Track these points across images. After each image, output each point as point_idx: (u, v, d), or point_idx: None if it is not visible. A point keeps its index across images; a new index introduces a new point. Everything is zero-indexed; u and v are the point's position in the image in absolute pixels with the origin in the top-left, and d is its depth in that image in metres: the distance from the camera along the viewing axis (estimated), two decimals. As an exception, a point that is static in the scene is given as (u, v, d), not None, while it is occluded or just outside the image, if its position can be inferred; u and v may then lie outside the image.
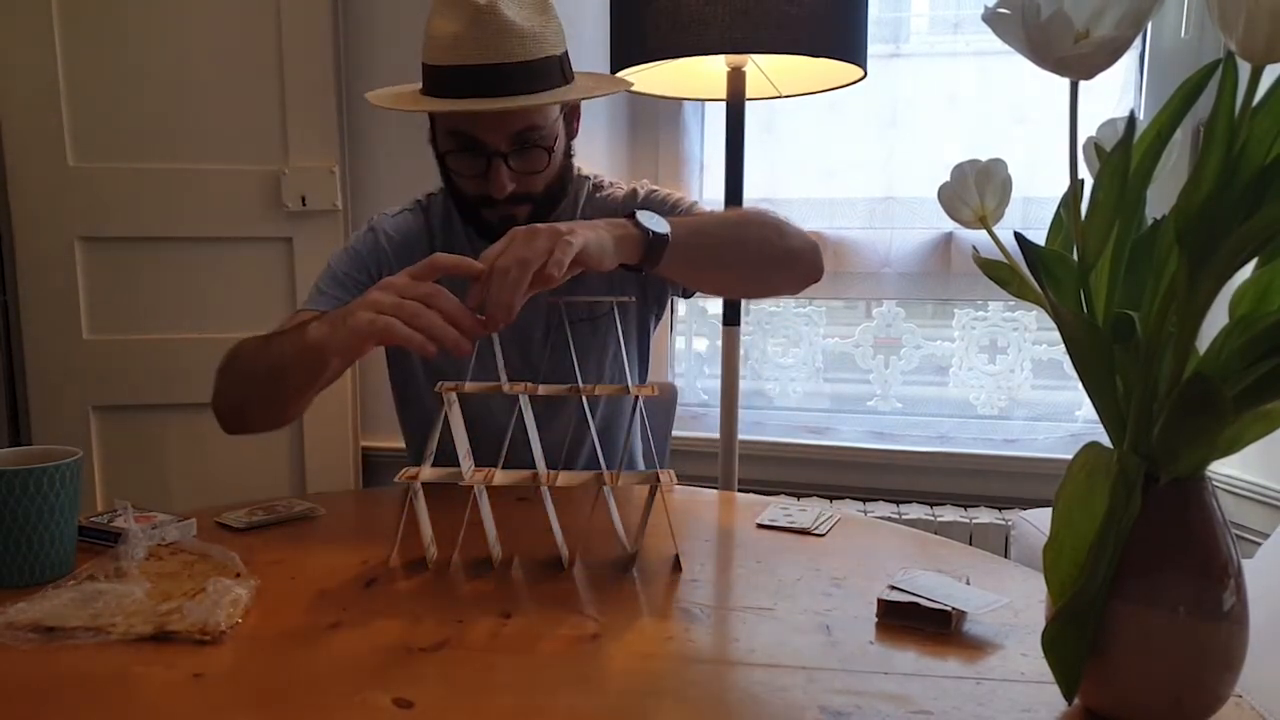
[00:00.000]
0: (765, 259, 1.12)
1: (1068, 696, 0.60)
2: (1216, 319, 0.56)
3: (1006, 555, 1.74)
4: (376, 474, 2.08)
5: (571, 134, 1.22)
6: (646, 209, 1.03)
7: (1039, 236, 0.61)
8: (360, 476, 2.05)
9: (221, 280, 1.94)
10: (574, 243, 0.88)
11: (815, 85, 1.59)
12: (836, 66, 1.46)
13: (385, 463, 2.07)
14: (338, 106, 1.91)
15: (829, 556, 0.92)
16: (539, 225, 0.90)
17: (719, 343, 1.66)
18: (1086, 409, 1.99)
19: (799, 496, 1.99)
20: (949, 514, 1.90)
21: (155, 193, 1.90)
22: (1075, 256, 0.60)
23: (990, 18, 0.54)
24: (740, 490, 1.61)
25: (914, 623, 0.75)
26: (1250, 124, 0.51)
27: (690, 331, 2.20)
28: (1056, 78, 0.55)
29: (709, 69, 1.58)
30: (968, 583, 0.81)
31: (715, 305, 2.08)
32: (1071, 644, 0.58)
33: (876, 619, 0.76)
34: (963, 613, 0.74)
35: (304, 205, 1.91)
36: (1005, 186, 0.66)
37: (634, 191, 1.27)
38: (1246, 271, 0.56)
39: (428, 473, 0.87)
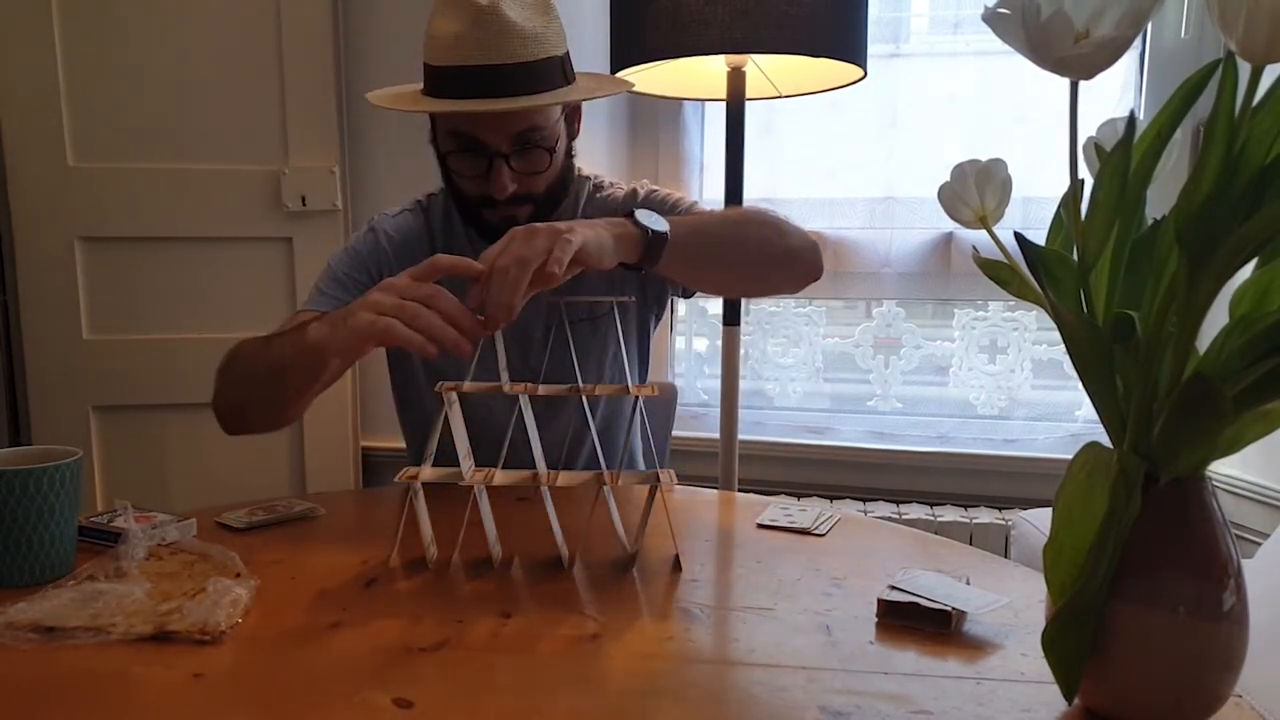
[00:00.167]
0: (765, 258, 1.12)
1: (1068, 696, 0.60)
2: (1216, 319, 0.56)
3: (1006, 555, 1.74)
4: (376, 474, 2.08)
5: (573, 134, 1.22)
6: (646, 208, 1.03)
7: (1039, 236, 0.61)
8: (360, 476, 2.05)
9: (221, 280, 1.94)
10: (573, 241, 0.88)
11: (815, 85, 1.59)
12: (836, 66, 1.46)
13: (385, 463, 2.07)
14: (338, 106, 1.91)
15: (829, 556, 0.92)
16: (537, 225, 0.90)
17: (719, 343, 1.66)
18: (1086, 409, 1.99)
19: (799, 496, 1.99)
20: (949, 514, 1.90)
21: (155, 193, 1.90)
22: (1075, 256, 0.60)
23: (990, 18, 0.54)
24: (740, 490, 1.61)
25: (914, 623, 0.75)
26: (1250, 124, 0.51)
27: (690, 331, 2.20)
28: (1056, 78, 0.55)
29: (709, 69, 1.58)
30: (968, 583, 0.81)
31: (715, 305, 2.08)
32: (1071, 644, 0.58)
33: (876, 619, 0.76)
34: (963, 613, 0.74)
35: (304, 205, 1.91)
36: (1005, 186, 0.66)
37: (634, 191, 1.27)
38: (1246, 271, 0.56)
39: (428, 473, 0.87)
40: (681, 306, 2.17)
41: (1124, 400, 0.60)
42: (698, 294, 1.36)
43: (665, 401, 1.58)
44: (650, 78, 1.58)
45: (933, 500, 1.99)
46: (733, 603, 0.80)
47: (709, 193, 2.08)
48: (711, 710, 0.62)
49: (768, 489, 1.98)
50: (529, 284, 0.86)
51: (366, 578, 0.85)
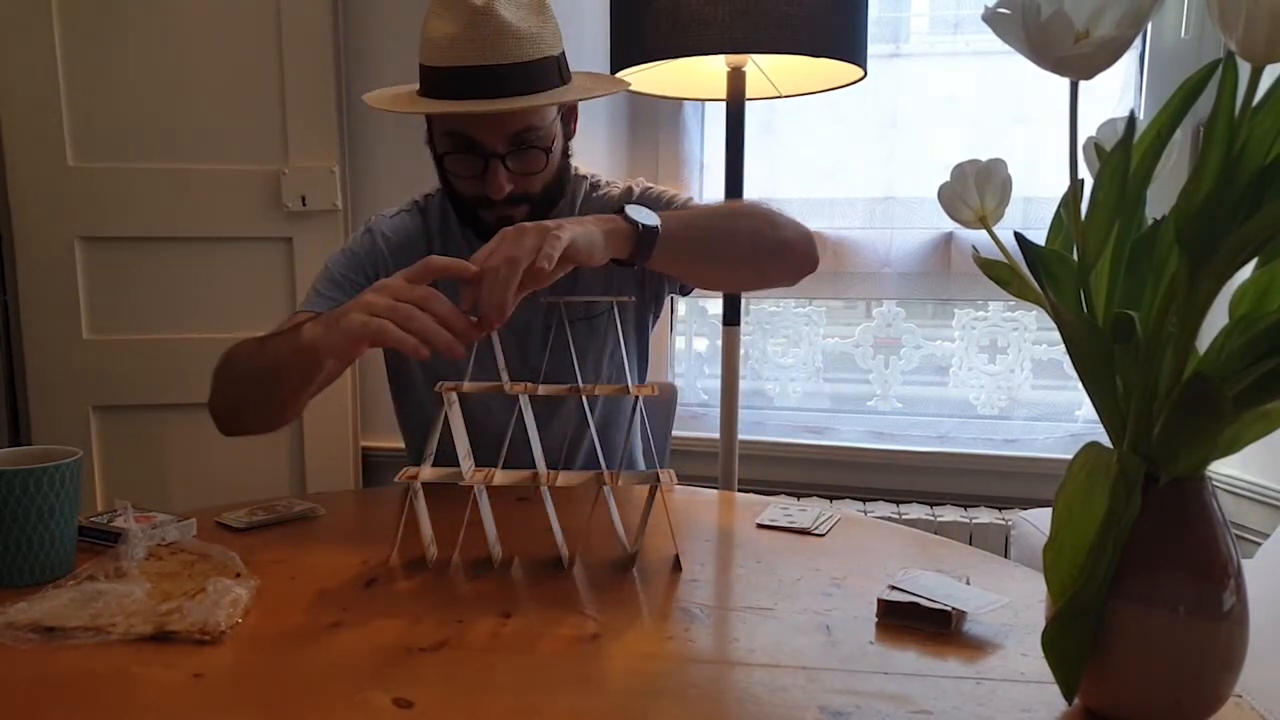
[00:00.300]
0: (757, 250, 1.12)
1: (1068, 696, 0.60)
2: (1216, 319, 0.56)
3: (1006, 555, 1.74)
4: (376, 474, 2.08)
5: (569, 134, 1.22)
6: (641, 205, 1.03)
7: (1039, 236, 0.61)
8: (360, 476, 2.05)
9: (221, 280, 1.94)
10: (562, 238, 0.88)
11: (815, 85, 1.59)
12: (836, 66, 1.46)
13: (385, 463, 2.07)
14: (338, 106, 1.91)
15: (829, 556, 0.92)
16: (526, 224, 0.90)
17: (719, 343, 1.66)
18: (1086, 409, 1.99)
19: (799, 496, 1.99)
20: (949, 514, 1.90)
21: (155, 193, 1.90)
22: (1075, 256, 0.60)
23: (990, 18, 0.54)
24: (740, 490, 1.61)
25: (914, 623, 0.75)
26: (1250, 124, 0.51)
27: (690, 331, 2.20)
28: (1056, 78, 0.55)
29: (709, 69, 1.58)
30: (968, 583, 0.81)
31: (715, 305, 2.08)
32: (1071, 644, 0.58)
33: (876, 619, 0.76)
34: (963, 613, 0.74)
35: (304, 205, 1.91)
36: (1005, 186, 0.66)
37: (629, 189, 1.27)
38: (1246, 271, 0.56)
39: (428, 473, 0.87)
40: (681, 306, 2.17)
41: (1124, 400, 0.60)
42: (697, 293, 1.36)
43: (665, 401, 1.58)
44: (650, 78, 1.58)
45: (933, 500, 1.99)
46: (733, 603, 0.80)
47: (709, 193, 2.08)
48: (711, 710, 0.62)
49: (768, 489, 1.98)
50: (521, 283, 0.86)
51: (366, 578, 0.85)
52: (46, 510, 0.81)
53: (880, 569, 0.87)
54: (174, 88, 1.88)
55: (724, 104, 1.55)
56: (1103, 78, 0.54)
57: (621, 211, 0.99)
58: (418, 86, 1.15)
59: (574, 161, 1.27)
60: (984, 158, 0.66)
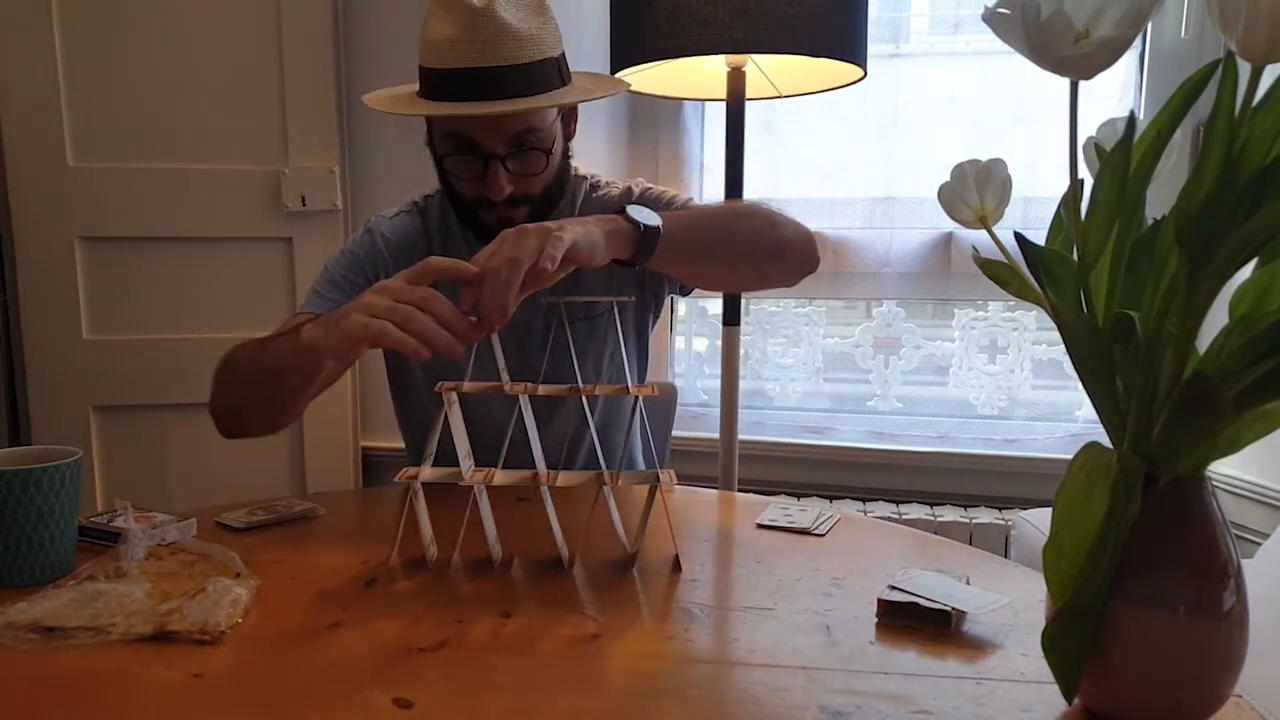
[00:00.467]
0: (758, 250, 1.12)
1: (1068, 696, 0.60)
2: (1216, 319, 0.56)
3: (1006, 555, 1.74)
4: (376, 474, 2.08)
5: (569, 135, 1.22)
6: (641, 205, 1.03)
7: (1039, 236, 0.61)
8: (360, 476, 2.05)
9: (221, 280, 1.94)
10: (564, 238, 0.88)
11: (815, 85, 1.59)
12: (836, 66, 1.46)
13: (385, 463, 2.07)
14: (338, 106, 1.91)
15: (829, 556, 0.92)
16: (528, 225, 0.90)
17: (719, 343, 1.66)
18: (1086, 409, 1.99)
19: (799, 496, 1.99)
20: (949, 514, 1.90)
21: (155, 193, 1.90)
22: (1075, 256, 0.60)
23: (990, 18, 0.54)
24: (740, 490, 1.61)
25: (914, 623, 0.75)
26: (1250, 124, 0.51)
27: (690, 331, 2.20)
28: (1056, 78, 0.55)
29: (709, 69, 1.58)
30: (968, 583, 0.81)
31: (715, 305, 2.08)
32: (1071, 644, 0.58)
33: (876, 619, 0.76)
34: (963, 613, 0.74)
35: (304, 205, 1.91)
36: (1005, 186, 0.66)
37: (629, 190, 1.27)
38: (1246, 271, 0.56)
39: (428, 473, 0.87)
40: (681, 306, 2.17)
41: (1124, 400, 0.60)
42: (697, 293, 1.36)
43: (665, 401, 1.58)
44: (650, 78, 1.58)
45: (933, 500, 1.99)
46: (733, 603, 0.80)
47: (709, 193, 2.08)
48: (711, 710, 0.62)
49: (768, 489, 1.98)
50: (522, 284, 0.86)
51: (366, 578, 0.85)
52: (46, 510, 0.81)
53: (880, 569, 0.87)
54: (174, 88, 1.88)
55: (724, 104, 1.55)
56: (1103, 78, 0.54)
57: (623, 212, 0.99)
58: (418, 88, 1.15)
59: (574, 162, 1.27)
60: (984, 158, 0.66)
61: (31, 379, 1.92)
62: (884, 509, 1.94)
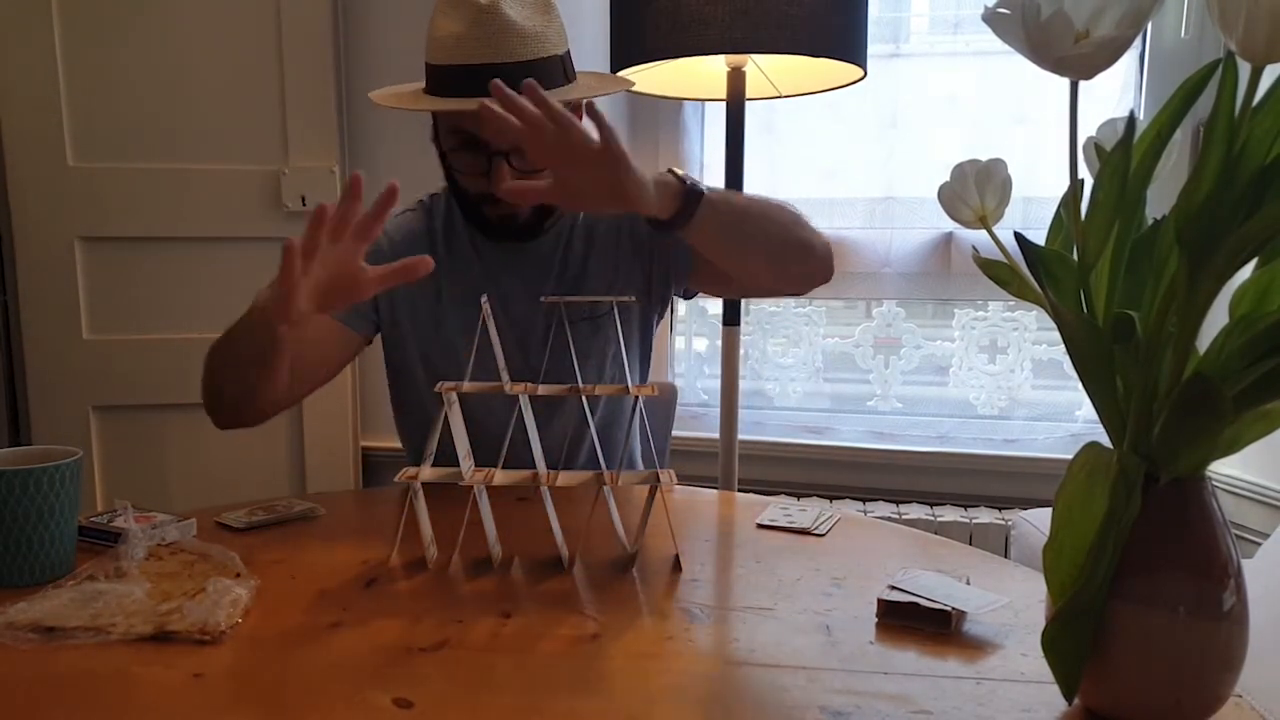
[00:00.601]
0: (787, 243, 1.12)
1: (1068, 696, 0.60)
2: (1216, 319, 0.56)
3: (1006, 555, 1.74)
4: (376, 474, 2.08)
5: None
6: None
7: (1039, 236, 0.61)
8: (360, 476, 2.05)
9: (221, 280, 1.94)
10: (630, 167, 0.90)
11: (815, 85, 1.59)
12: (836, 66, 1.46)
13: (385, 463, 2.07)
14: (338, 106, 1.91)
15: (829, 556, 0.92)
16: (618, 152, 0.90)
17: (719, 343, 1.66)
18: (1086, 409, 1.99)
19: (799, 496, 1.99)
20: (949, 514, 1.90)
21: (155, 193, 1.90)
22: (1075, 256, 0.60)
23: (990, 18, 0.54)
24: (740, 490, 1.61)
25: (914, 623, 0.75)
26: (1250, 124, 0.51)
27: (690, 331, 2.20)
28: (1056, 78, 0.55)
29: (709, 69, 1.58)
30: (968, 583, 0.81)
31: (715, 305, 2.08)
32: (1071, 644, 0.58)
33: (876, 619, 0.76)
34: (963, 613, 0.74)
35: (304, 205, 1.91)
36: (1005, 186, 0.66)
37: None
38: (1246, 271, 0.56)
39: (428, 473, 0.87)
40: (681, 307, 2.17)
41: (1124, 400, 0.60)
42: (699, 294, 1.36)
43: (665, 401, 1.58)
44: (650, 78, 1.58)
45: (933, 500, 1.99)
46: (733, 603, 0.80)
47: (709, 193, 2.08)
48: (711, 710, 0.62)
49: (768, 489, 1.98)
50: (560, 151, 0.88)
51: (366, 578, 0.85)
52: (46, 510, 0.81)
53: (880, 569, 0.87)
54: (174, 88, 1.88)
55: (724, 104, 1.55)
56: (1103, 78, 0.54)
57: (671, 170, 0.99)
58: (423, 85, 1.15)
59: None
60: (984, 158, 0.66)
61: (31, 379, 1.92)
62: (884, 509, 1.94)
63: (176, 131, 1.89)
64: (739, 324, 1.63)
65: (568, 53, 1.15)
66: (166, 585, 0.80)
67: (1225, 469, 1.82)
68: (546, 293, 1.21)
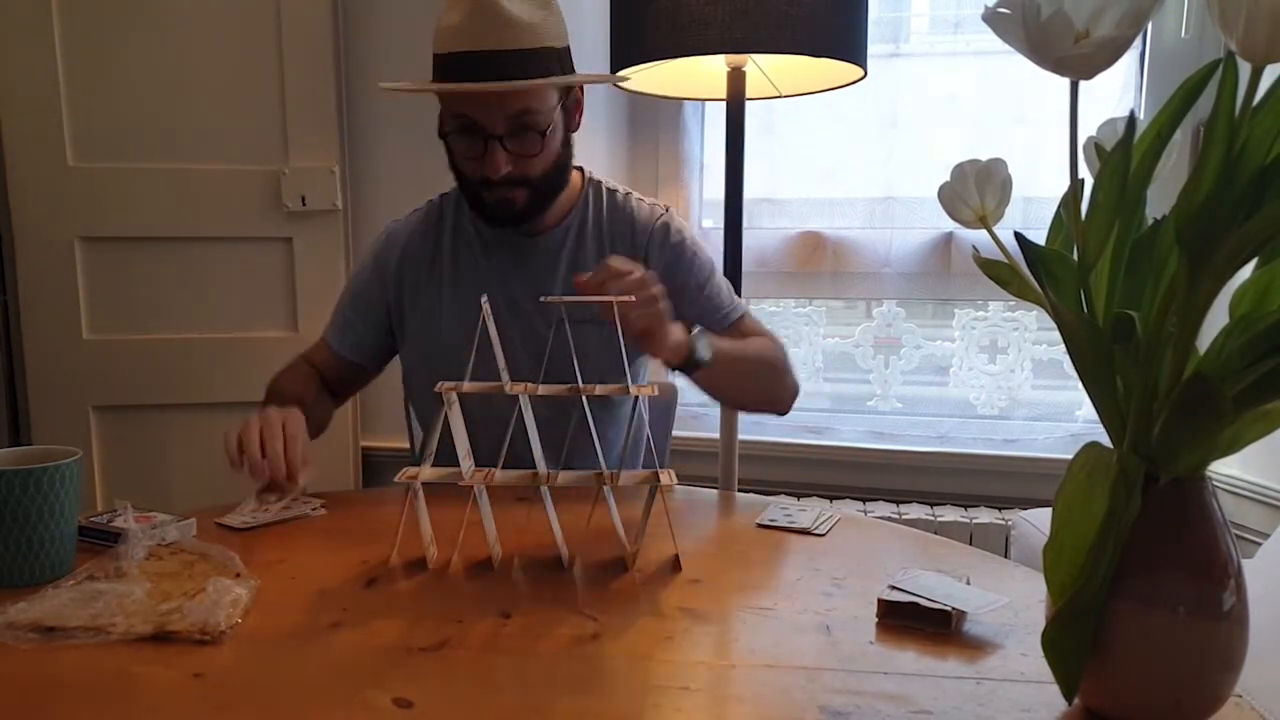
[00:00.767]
0: (760, 400, 1.29)
1: (1068, 696, 0.60)
2: (1216, 319, 0.56)
3: (1006, 555, 1.74)
4: (376, 474, 2.08)
5: (571, 126, 1.25)
6: (675, 258, 1.26)
7: (1039, 236, 0.61)
8: (360, 476, 2.05)
9: (221, 280, 1.94)
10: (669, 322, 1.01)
11: (815, 85, 1.59)
12: (836, 66, 1.46)
13: (385, 463, 2.07)
14: (338, 106, 1.91)
15: (829, 556, 0.92)
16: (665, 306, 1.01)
17: (719, 343, 1.66)
18: (1086, 409, 1.98)
19: (799, 496, 1.99)
20: (949, 514, 1.90)
21: (155, 193, 1.90)
22: (1075, 256, 0.60)
23: (990, 18, 0.54)
24: (740, 490, 1.61)
25: (914, 623, 0.75)
26: (1250, 124, 0.51)
27: (690, 331, 2.20)
28: (1056, 78, 0.55)
29: (709, 69, 1.58)
30: (968, 583, 0.81)
31: (715, 305, 2.08)
32: (1071, 644, 0.58)
33: (876, 619, 0.76)
34: (963, 613, 0.74)
35: (304, 205, 1.91)
36: (1005, 186, 0.66)
37: (664, 225, 1.30)
38: (1246, 271, 0.56)
39: (428, 473, 0.87)
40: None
41: (1124, 400, 0.60)
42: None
43: (665, 402, 1.58)
44: (650, 78, 1.57)
45: (933, 500, 1.99)
46: (733, 603, 0.80)
47: (709, 193, 2.08)
48: (711, 710, 0.62)
49: (768, 489, 1.98)
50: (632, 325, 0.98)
51: (366, 578, 0.85)
52: (46, 510, 0.81)
53: (880, 569, 0.87)
54: (174, 88, 1.88)
55: (724, 104, 1.55)
56: (1103, 78, 0.54)
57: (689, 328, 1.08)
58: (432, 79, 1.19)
59: (588, 169, 1.33)
60: (984, 158, 0.66)
61: (31, 379, 1.92)
62: (884, 509, 1.94)
63: (176, 131, 1.89)
64: (739, 324, 1.62)
65: (567, 48, 1.19)
66: (166, 585, 0.80)
67: (1225, 469, 1.82)
68: (553, 292, 1.23)
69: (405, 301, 1.30)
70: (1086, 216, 0.59)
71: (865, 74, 1.49)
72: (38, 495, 0.80)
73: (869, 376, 2.09)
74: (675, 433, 1.70)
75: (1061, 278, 0.61)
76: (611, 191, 1.33)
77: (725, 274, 1.61)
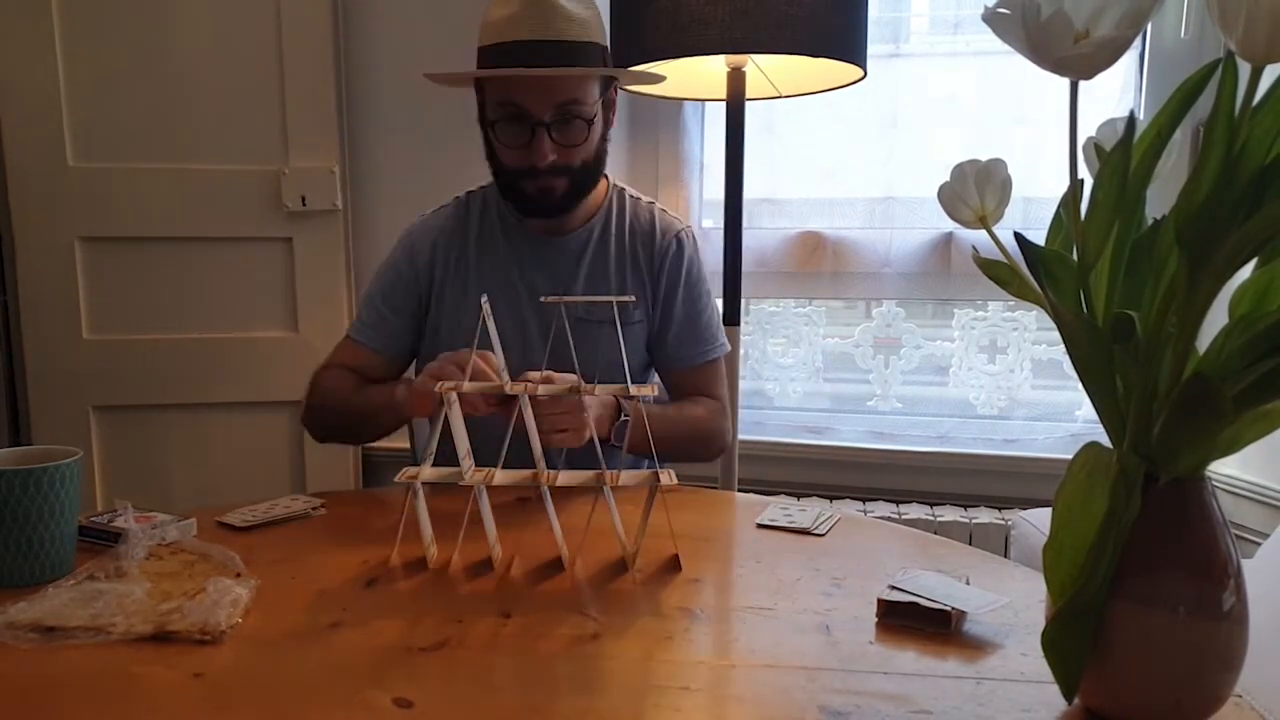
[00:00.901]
0: (683, 459, 1.30)
1: (1068, 696, 0.60)
2: (1216, 319, 0.56)
3: (1006, 555, 1.74)
4: (376, 474, 2.08)
5: (608, 122, 1.27)
6: (677, 273, 1.30)
7: (1039, 236, 0.61)
8: (360, 476, 2.05)
9: (221, 280, 1.94)
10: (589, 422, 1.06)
11: (815, 85, 1.59)
12: (836, 66, 1.46)
13: (385, 463, 2.07)
14: (338, 106, 1.91)
15: (829, 556, 0.92)
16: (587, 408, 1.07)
17: (719, 343, 1.66)
18: (1086, 409, 1.98)
19: (799, 496, 1.99)
20: (949, 514, 1.90)
21: (155, 193, 1.90)
22: (1075, 256, 0.60)
23: (990, 18, 0.54)
24: (740, 490, 1.61)
25: (914, 623, 0.75)
26: (1250, 124, 0.51)
27: (690, 331, 2.19)
28: (1056, 78, 0.55)
29: (709, 69, 1.58)
30: (968, 583, 0.81)
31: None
32: (1071, 644, 0.58)
33: (876, 619, 0.76)
34: (963, 613, 0.74)
35: (304, 205, 1.91)
36: (1005, 186, 0.66)
37: (680, 243, 1.33)
38: (1246, 271, 0.56)
39: (428, 473, 0.87)
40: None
41: (1124, 400, 0.60)
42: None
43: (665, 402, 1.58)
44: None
45: (933, 500, 1.99)
46: (733, 603, 0.80)
47: (709, 193, 2.08)
48: (711, 710, 0.62)
49: (768, 489, 1.98)
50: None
51: (366, 578, 0.85)
52: (46, 510, 0.81)
53: (880, 569, 0.87)
54: (174, 88, 1.88)
55: (724, 104, 1.55)
56: (1103, 78, 0.54)
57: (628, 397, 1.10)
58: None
59: (611, 176, 1.35)
60: (984, 158, 0.66)
61: (31, 379, 1.92)
62: (884, 509, 1.94)
63: (176, 131, 1.89)
64: (739, 324, 1.63)
65: (608, 47, 1.24)
66: (167, 585, 0.80)
67: (1225, 469, 1.82)
68: (573, 291, 1.29)
69: (434, 296, 1.31)
70: (1086, 216, 0.59)
71: (865, 74, 1.49)
72: (38, 495, 0.80)
73: (869, 376, 2.09)
74: (675, 433, 1.69)
75: (1061, 278, 0.61)
76: (635, 199, 1.35)
77: (725, 274, 1.62)
